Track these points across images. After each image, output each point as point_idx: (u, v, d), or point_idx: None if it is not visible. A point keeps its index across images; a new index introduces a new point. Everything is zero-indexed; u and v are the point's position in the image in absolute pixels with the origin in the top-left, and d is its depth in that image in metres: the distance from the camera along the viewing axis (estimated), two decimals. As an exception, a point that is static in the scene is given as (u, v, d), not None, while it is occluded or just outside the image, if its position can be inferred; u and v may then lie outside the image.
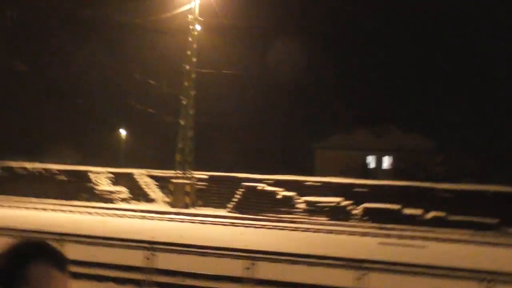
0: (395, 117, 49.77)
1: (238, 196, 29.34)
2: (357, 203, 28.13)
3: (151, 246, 9.75)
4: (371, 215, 26.92)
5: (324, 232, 22.75)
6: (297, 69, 47.60)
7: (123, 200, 31.33)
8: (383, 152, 46.42)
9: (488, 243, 21.24)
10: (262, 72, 53.04)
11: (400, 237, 22.11)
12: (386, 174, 41.47)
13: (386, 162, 47.01)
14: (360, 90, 62.94)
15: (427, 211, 26.81)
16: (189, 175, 30.93)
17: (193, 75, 31.25)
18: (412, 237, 22.05)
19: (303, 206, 28.09)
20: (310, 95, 58.53)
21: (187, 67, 31.08)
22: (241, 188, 29.49)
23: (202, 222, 24.44)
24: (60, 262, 1.40)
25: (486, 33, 65.99)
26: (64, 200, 30.30)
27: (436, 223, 25.75)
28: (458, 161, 41.25)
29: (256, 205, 28.43)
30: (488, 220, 25.49)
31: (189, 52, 31.01)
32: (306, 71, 61.41)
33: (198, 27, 31.01)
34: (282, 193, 28.66)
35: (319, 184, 30.50)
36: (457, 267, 12.25)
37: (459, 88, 57.19)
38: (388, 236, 22.02)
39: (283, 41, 44.10)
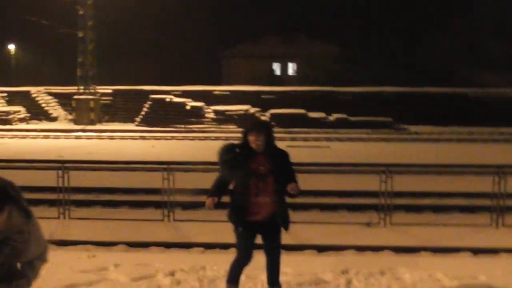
0: (302, 24, 50.08)
1: (146, 109, 28.85)
2: (264, 109, 28.85)
3: (62, 165, 9.51)
4: (278, 120, 27.82)
5: (234, 140, 23.30)
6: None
7: (21, 120, 29.61)
8: (289, 59, 47.15)
9: (384, 139, 23.14)
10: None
11: (305, 139, 23.35)
12: (292, 80, 42.51)
13: (292, 68, 47.96)
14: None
15: (330, 113, 28.21)
16: (93, 90, 29.70)
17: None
18: (316, 139, 23.38)
19: (212, 115, 28.32)
20: (215, 3, 56.75)
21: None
22: (149, 100, 28.96)
23: (111, 138, 23.99)
24: None
25: None
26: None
27: (338, 124, 27.28)
28: (360, 65, 43.02)
29: (165, 117, 28.21)
30: (383, 119, 27.45)
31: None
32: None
33: None
34: (190, 103, 28.56)
35: (227, 93, 30.72)
36: (358, 163, 13.31)
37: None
38: (294, 139, 23.10)
39: None
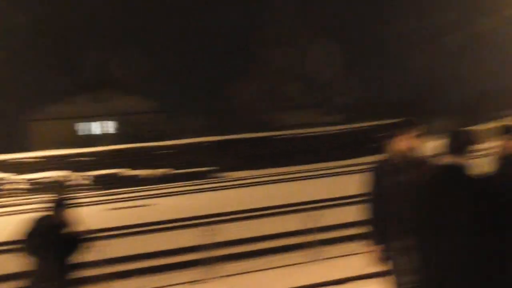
0: (115, 81, 49.10)
1: None
2: (84, 172, 27.23)
3: None
4: (100, 183, 26.48)
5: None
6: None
7: None
8: (105, 117, 45.75)
9: (208, 189, 23.27)
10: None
11: (131, 199, 22.40)
12: (112, 139, 41.16)
13: (111, 127, 46.56)
14: (73, 56, 59.94)
15: (154, 169, 27.77)
16: None
17: None
18: (143, 197, 22.58)
19: (24, 185, 25.76)
20: (19, 65, 52.89)
21: None
22: None
23: None
24: None
25: None
26: None
27: (163, 179, 26.96)
28: (179, 118, 43.76)
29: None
30: (206, 169, 27.95)
31: None
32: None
33: None
34: (-4, 175, 25.67)
35: (40, 159, 28.36)
36: (183, 218, 13.13)
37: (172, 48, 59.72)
38: (119, 200, 22.06)
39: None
